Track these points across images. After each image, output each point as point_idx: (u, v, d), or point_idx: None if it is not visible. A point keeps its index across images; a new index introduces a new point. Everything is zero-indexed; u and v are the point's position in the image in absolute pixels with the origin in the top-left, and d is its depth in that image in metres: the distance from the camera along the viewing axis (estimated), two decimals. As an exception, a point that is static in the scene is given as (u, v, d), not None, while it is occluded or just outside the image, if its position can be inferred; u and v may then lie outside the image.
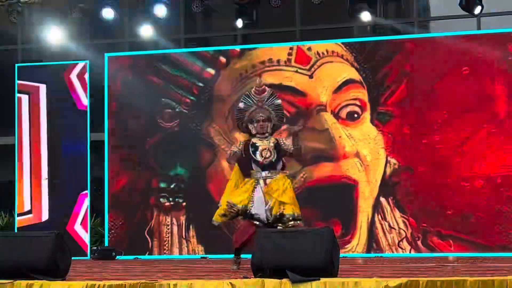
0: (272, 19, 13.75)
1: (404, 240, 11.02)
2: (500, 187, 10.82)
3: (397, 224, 11.06)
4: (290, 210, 7.64)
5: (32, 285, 5.70)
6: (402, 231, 11.04)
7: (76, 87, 12.08)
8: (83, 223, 11.86)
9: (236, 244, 7.91)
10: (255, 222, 7.74)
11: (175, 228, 11.75)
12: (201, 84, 11.90)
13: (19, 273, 5.93)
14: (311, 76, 11.51)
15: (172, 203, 11.80)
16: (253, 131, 7.88)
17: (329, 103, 11.39)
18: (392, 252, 11.02)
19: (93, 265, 9.32)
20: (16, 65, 12.63)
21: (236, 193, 7.87)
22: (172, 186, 11.83)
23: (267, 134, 7.85)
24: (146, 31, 12.63)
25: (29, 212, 12.13)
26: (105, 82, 12.11)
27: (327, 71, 11.48)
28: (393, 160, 11.16)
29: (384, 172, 11.16)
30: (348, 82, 11.40)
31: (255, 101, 7.91)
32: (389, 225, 11.09)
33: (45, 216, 12.02)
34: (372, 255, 10.95)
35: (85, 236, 11.82)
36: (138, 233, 11.82)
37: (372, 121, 11.28)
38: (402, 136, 11.18)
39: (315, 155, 10.97)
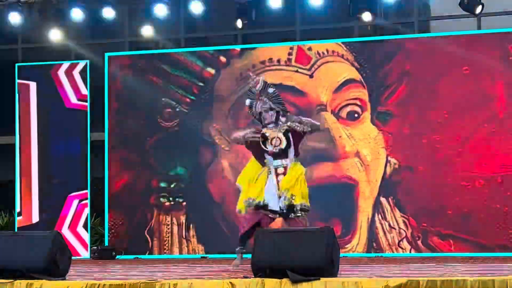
0: (272, 19, 13.72)
1: (404, 240, 11.02)
2: (500, 187, 10.82)
3: (397, 224, 11.06)
4: (300, 200, 7.93)
5: (32, 285, 5.70)
6: (402, 231, 11.04)
7: (64, 84, 12.06)
8: (71, 226, 11.84)
9: (240, 232, 8.06)
10: (267, 212, 7.94)
11: (175, 228, 11.75)
12: (201, 84, 11.90)
13: (19, 273, 5.93)
14: (311, 76, 11.51)
15: (172, 202, 11.80)
16: (264, 122, 8.20)
17: (329, 102, 11.39)
18: (392, 252, 11.01)
19: (93, 264, 9.32)
20: (16, 64, 12.63)
21: (253, 186, 8.11)
22: (172, 185, 11.83)
23: (275, 123, 8.15)
24: (146, 31, 12.62)
25: (19, 214, 12.11)
26: (105, 82, 12.11)
27: (327, 71, 11.48)
28: (393, 160, 11.16)
29: (385, 172, 11.16)
30: (348, 82, 11.40)
31: (255, 95, 8.10)
32: (389, 225, 11.09)
33: (35, 218, 11.97)
34: (372, 255, 10.95)
35: (73, 240, 11.77)
36: (138, 232, 11.82)
37: (372, 121, 11.28)
38: (402, 136, 11.18)
39: (315, 155, 10.97)
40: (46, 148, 12.10)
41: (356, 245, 11.15)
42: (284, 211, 7.98)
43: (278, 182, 8.04)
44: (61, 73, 12.11)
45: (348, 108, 11.38)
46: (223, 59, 11.91)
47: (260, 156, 8.19)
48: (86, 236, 11.86)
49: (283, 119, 8.24)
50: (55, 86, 12.10)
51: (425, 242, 10.93)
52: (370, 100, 11.31)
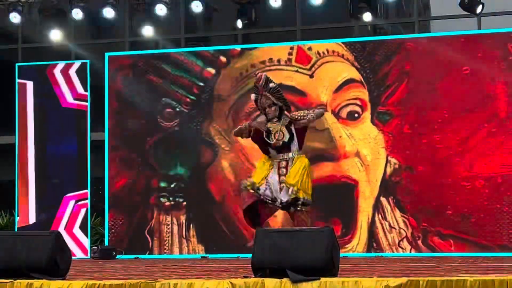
0: (272, 19, 13.74)
1: (405, 239, 11.02)
2: (500, 187, 10.82)
3: (398, 223, 11.06)
4: (301, 194, 8.04)
5: (32, 284, 5.69)
6: (402, 231, 11.04)
7: (60, 83, 12.04)
8: (67, 227, 11.82)
9: (242, 208, 8.31)
10: (265, 197, 8.08)
11: (175, 228, 11.75)
12: (201, 84, 11.90)
13: (19, 273, 5.92)
14: (311, 76, 11.51)
15: (172, 202, 11.80)
16: (268, 117, 8.33)
17: (329, 102, 11.39)
18: (393, 252, 11.01)
19: (93, 264, 9.32)
20: (16, 64, 12.64)
21: (258, 172, 8.33)
22: (172, 185, 11.83)
23: (278, 118, 8.28)
24: (146, 31, 12.63)
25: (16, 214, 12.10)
26: (105, 81, 12.11)
27: (328, 71, 11.48)
28: (393, 160, 11.16)
29: (385, 171, 11.16)
30: (348, 82, 11.40)
31: (259, 90, 8.24)
32: (390, 225, 11.09)
33: (32, 219, 11.94)
34: (372, 254, 10.95)
35: (69, 242, 11.75)
36: (138, 232, 11.82)
37: (372, 121, 11.28)
38: (403, 135, 11.18)
39: (316, 154, 10.97)
40: (43, 148, 12.08)
41: (356, 245, 11.15)
42: (285, 203, 8.07)
43: (279, 175, 8.15)
44: (57, 72, 12.10)
45: (348, 108, 11.37)
46: (223, 59, 11.91)
47: (265, 149, 8.35)
48: (82, 237, 11.81)
49: (287, 114, 8.35)
50: (51, 85, 12.08)
51: (425, 242, 10.93)
52: (370, 100, 11.31)
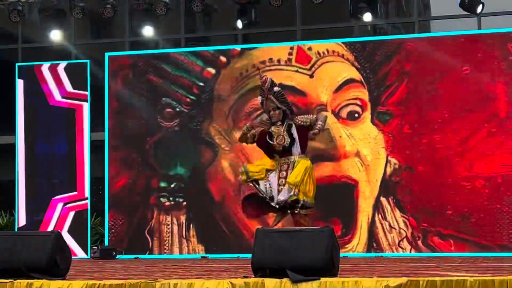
0: (272, 19, 13.74)
1: (405, 240, 11.02)
2: (500, 187, 10.81)
3: (398, 224, 11.06)
4: (301, 196, 8.21)
5: (32, 284, 5.68)
6: (402, 231, 11.04)
7: (48, 81, 11.99)
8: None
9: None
10: (266, 200, 8.15)
11: (175, 228, 11.75)
12: (201, 84, 11.90)
13: (19, 273, 5.92)
14: (311, 76, 11.51)
15: (172, 202, 11.80)
16: (272, 120, 8.49)
17: (329, 102, 11.39)
18: (393, 252, 11.01)
19: (93, 264, 9.31)
20: (17, 64, 12.64)
21: (257, 163, 8.51)
22: (172, 185, 11.83)
23: (282, 122, 8.44)
24: (146, 31, 12.63)
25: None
26: (105, 81, 12.11)
27: (328, 71, 11.48)
28: (393, 160, 11.15)
29: (385, 171, 11.16)
30: (348, 82, 11.40)
31: (264, 93, 8.29)
32: (390, 225, 11.09)
33: (22, 221, 11.88)
34: (372, 254, 10.95)
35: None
36: (138, 232, 11.82)
37: (372, 121, 11.28)
38: (403, 135, 11.18)
39: (316, 154, 10.97)
40: (33, 147, 12.02)
41: (356, 245, 11.15)
42: (281, 203, 8.08)
43: (279, 178, 8.19)
44: (45, 69, 12.05)
45: (348, 108, 11.37)
46: (223, 59, 11.91)
47: (270, 154, 8.38)
48: (71, 241, 11.66)
49: (292, 120, 8.42)
50: (39, 83, 12.04)
51: (425, 242, 10.93)
52: (370, 100, 11.31)
